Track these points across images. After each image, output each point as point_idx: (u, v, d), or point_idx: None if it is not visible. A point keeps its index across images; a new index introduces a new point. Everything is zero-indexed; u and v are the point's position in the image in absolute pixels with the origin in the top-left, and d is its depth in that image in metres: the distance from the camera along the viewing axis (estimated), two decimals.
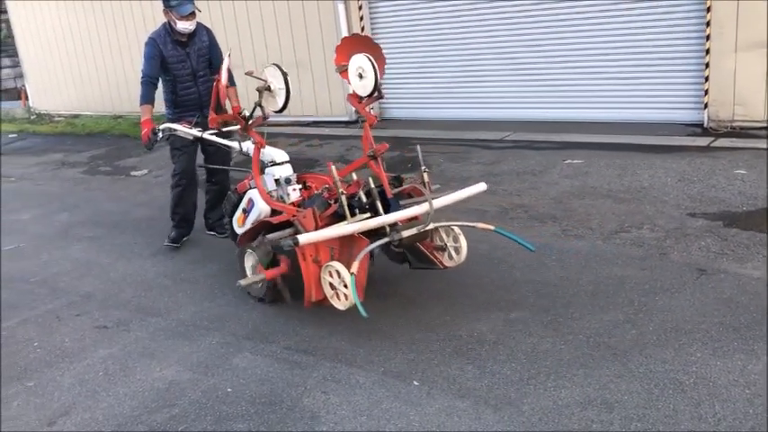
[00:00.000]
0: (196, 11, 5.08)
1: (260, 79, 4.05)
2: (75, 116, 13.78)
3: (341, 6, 9.53)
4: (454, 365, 3.33)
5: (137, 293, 4.62)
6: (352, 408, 3.08)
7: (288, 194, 4.20)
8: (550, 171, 6.36)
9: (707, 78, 7.10)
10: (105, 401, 3.33)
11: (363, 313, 3.32)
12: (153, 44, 5.08)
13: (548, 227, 5.04)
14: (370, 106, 4.28)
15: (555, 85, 8.35)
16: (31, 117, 14.43)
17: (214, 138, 4.80)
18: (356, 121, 9.86)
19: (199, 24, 5.20)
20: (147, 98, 5.10)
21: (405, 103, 9.80)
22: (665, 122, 7.52)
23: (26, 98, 15.45)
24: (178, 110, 5.26)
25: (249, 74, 4.04)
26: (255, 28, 10.51)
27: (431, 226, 3.70)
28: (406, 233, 3.65)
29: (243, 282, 3.89)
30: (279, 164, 4.30)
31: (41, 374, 3.65)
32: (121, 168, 8.77)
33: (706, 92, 7.14)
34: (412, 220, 3.80)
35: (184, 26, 5.04)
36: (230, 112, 4.39)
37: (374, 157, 4.12)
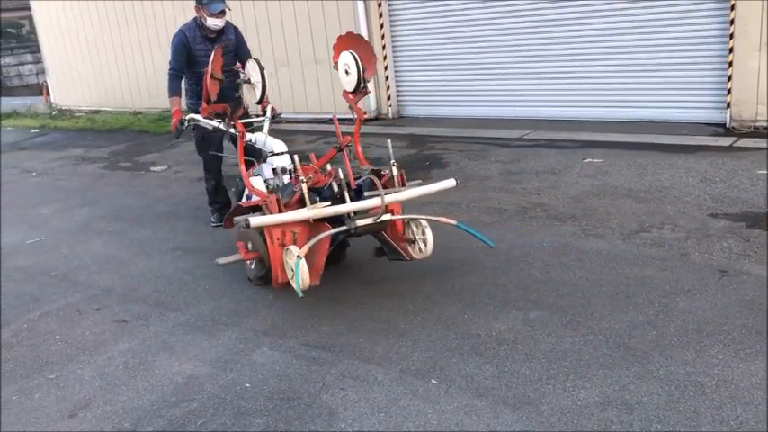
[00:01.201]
0: (226, 9, 5.25)
1: (243, 74, 4.39)
2: (96, 112, 13.93)
3: (360, 5, 9.54)
4: (472, 364, 3.32)
5: (156, 288, 4.65)
6: (370, 405, 3.08)
7: (283, 183, 4.31)
8: (570, 170, 6.32)
9: (730, 77, 7.03)
10: (125, 394, 3.36)
11: (299, 293, 3.54)
12: (181, 36, 5.28)
13: (567, 226, 5.01)
14: (359, 101, 4.37)
15: (575, 84, 8.31)
16: (53, 113, 14.60)
17: (231, 129, 4.85)
18: (375, 118, 9.87)
19: (227, 22, 5.38)
20: (174, 90, 5.33)
21: (423, 101, 9.79)
22: (686, 122, 7.45)
23: (48, 94, 15.63)
24: (201, 101, 5.29)
25: (238, 69, 4.34)
26: (275, 26, 10.56)
27: (386, 217, 3.86)
28: (360, 222, 3.81)
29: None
30: (277, 154, 4.45)
31: (63, 367, 3.69)
32: (141, 164, 8.84)
33: (729, 91, 7.06)
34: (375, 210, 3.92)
35: (214, 23, 5.22)
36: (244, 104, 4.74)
37: (340, 150, 4.36)
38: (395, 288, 4.25)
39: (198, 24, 5.31)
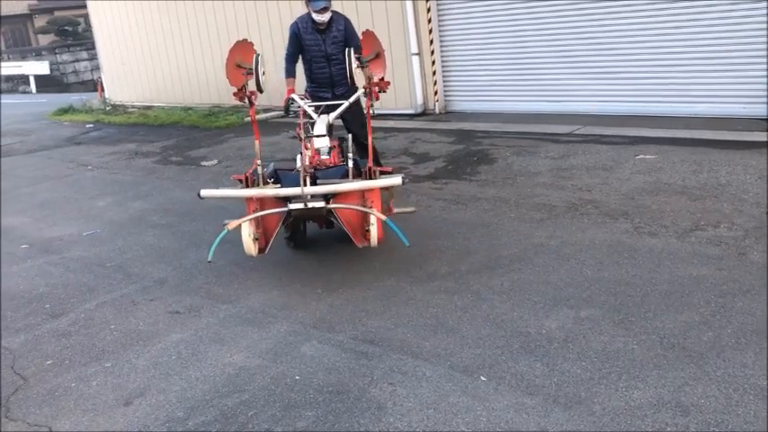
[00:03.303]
0: (328, 6, 5.70)
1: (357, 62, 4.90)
2: (148, 107, 14.23)
3: (409, 4, 9.52)
4: (522, 362, 3.29)
5: (207, 280, 4.73)
6: (418, 400, 3.08)
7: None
8: (622, 166, 6.20)
9: None
10: (178, 384, 3.43)
11: (209, 257, 4.09)
12: (294, 27, 5.91)
13: (619, 223, 4.91)
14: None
15: (626, 79, 8.14)
16: (107, 108, 14.96)
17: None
18: (422, 114, 9.85)
19: (338, 15, 5.88)
20: (288, 72, 5.98)
21: (470, 97, 9.73)
22: (742, 117, 7.22)
23: (102, 90, 16.04)
24: (314, 85, 6.00)
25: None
26: None
27: (313, 204, 4.15)
28: (293, 206, 4.16)
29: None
30: (316, 136, 4.80)
31: (118, 356, 3.79)
32: (192, 158, 9.00)
33: None
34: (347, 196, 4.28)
35: (318, 18, 5.73)
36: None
37: (301, 139, 4.69)
38: (443, 284, 4.24)
39: (310, 17, 5.81)
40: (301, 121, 4.88)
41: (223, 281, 4.69)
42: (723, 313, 3.53)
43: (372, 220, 4.16)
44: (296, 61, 5.97)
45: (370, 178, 4.38)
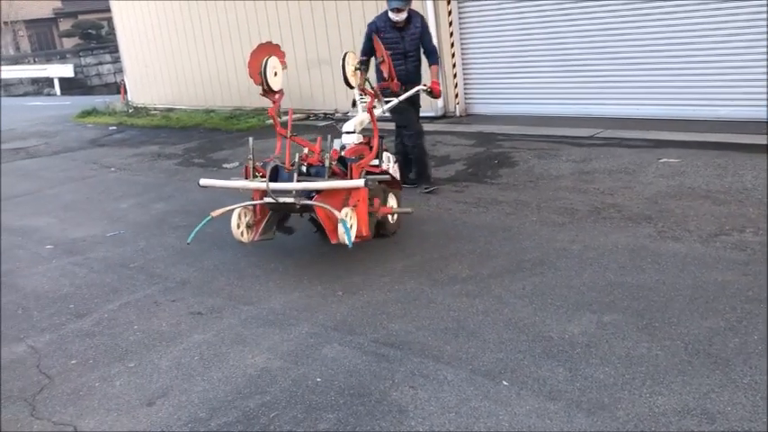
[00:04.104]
0: (403, 8, 5.97)
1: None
2: (170, 110, 14.37)
3: (430, 5, 9.52)
4: (545, 367, 3.27)
5: (229, 281, 4.76)
6: (440, 404, 3.07)
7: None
8: (645, 170, 6.15)
9: None
10: (200, 385, 3.45)
11: (189, 239, 4.63)
12: (371, 26, 6.18)
13: (642, 228, 4.87)
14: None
15: (647, 81, 8.08)
16: (129, 110, 15.12)
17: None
18: (443, 116, 9.83)
19: (415, 13, 6.19)
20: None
21: (490, 99, 9.70)
22: (767, 121, 7.13)
23: (125, 92, 16.21)
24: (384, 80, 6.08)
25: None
26: (344, 26, 10.63)
27: (283, 199, 4.41)
28: (266, 200, 4.51)
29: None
30: (346, 132, 5.18)
31: (141, 356, 3.82)
32: (214, 160, 9.07)
33: None
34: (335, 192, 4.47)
35: (393, 17, 6.03)
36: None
37: (285, 137, 4.84)
38: (464, 288, 4.23)
39: (388, 15, 6.08)
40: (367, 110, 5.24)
41: (244, 282, 4.71)
42: (749, 319, 3.48)
43: (352, 221, 4.30)
44: (369, 58, 6.12)
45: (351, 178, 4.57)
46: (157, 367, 3.68)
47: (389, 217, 5.13)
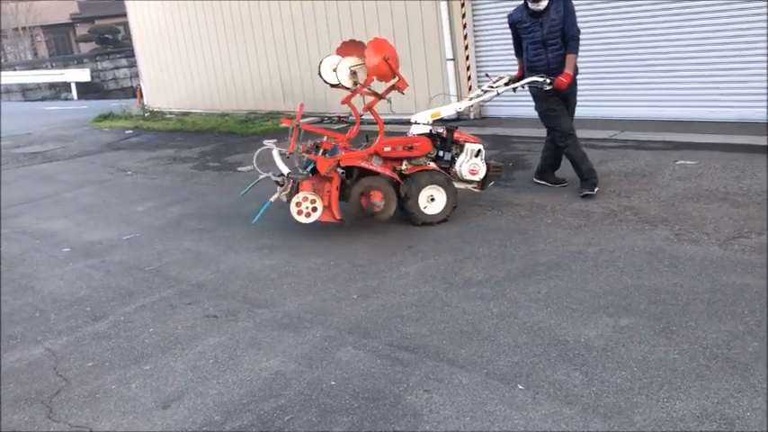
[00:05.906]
0: None
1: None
2: (186, 113, 14.46)
3: (443, 5, 9.51)
4: (560, 371, 3.25)
5: (244, 285, 4.77)
6: (455, 408, 3.06)
7: None
8: (661, 172, 6.10)
9: None
10: (215, 388, 3.46)
11: (252, 220, 5.57)
12: (508, 18, 6.10)
13: (659, 230, 4.82)
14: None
15: (664, 83, 8.01)
16: (145, 114, 15.23)
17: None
18: (457, 119, 9.81)
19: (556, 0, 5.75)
20: (516, 54, 6.22)
21: (505, 101, 9.62)
22: None
23: (141, 96, 16.34)
24: (530, 73, 5.92)
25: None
26: (358, 25, 10.65)
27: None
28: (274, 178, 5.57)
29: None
30: (413, 123, 5.75)
31: (157, 359, 3.84)
32: (229, 164, 9.11)
33: None
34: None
35: (532, 6, 5.74)
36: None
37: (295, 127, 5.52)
38: (479, 291, 4.21)
39: (526, 2, 5.81)
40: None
41: (259, 285, 4.72)
42: None
43: (318, 205, 5.24)
44: (520, 46, 6.05)
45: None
46: (173, 370, 3.70)
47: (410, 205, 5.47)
